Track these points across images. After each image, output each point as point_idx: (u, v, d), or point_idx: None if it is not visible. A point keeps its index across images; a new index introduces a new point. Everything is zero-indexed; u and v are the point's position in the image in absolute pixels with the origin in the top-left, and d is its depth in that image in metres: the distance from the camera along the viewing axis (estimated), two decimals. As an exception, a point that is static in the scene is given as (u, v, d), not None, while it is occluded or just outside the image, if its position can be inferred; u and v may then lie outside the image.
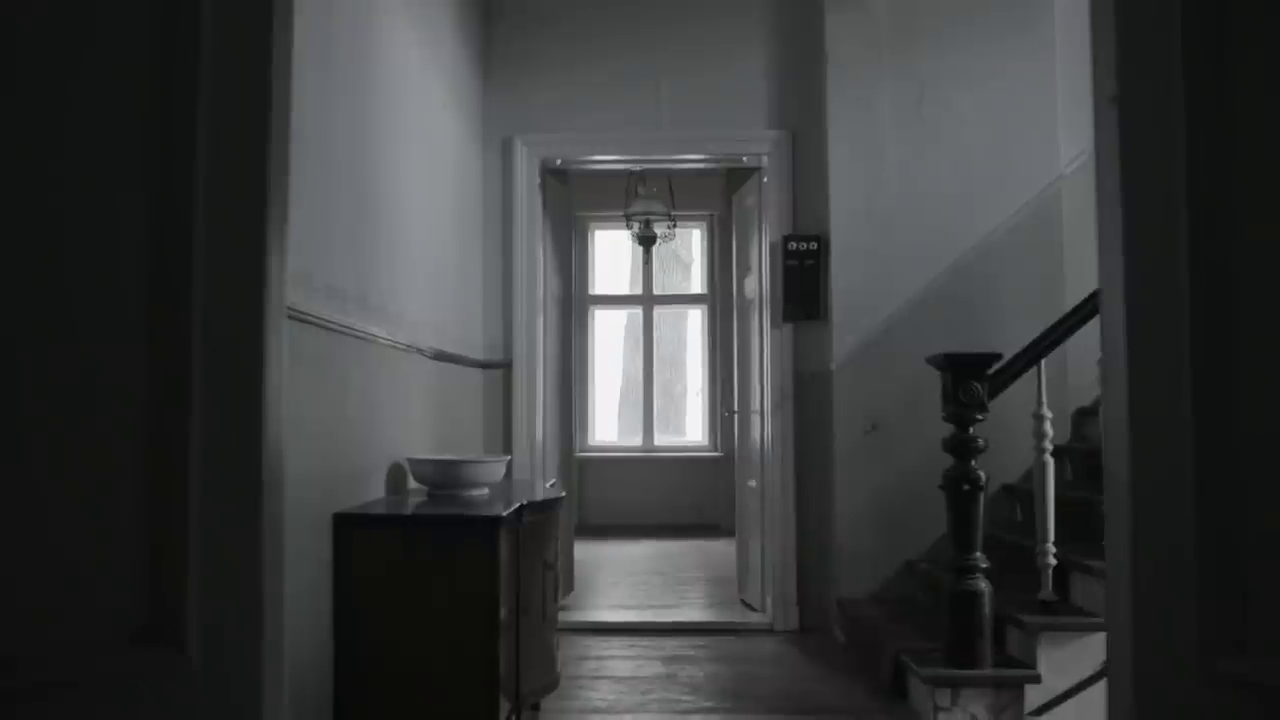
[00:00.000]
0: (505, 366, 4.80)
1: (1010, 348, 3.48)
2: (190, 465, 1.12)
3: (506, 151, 4.86)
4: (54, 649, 1.03)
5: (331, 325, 2.48)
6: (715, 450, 8.58)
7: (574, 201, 6.37)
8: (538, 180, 4.92)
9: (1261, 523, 1.02)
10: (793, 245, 4.67)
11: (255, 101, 1.20)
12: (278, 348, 1.24)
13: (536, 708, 3.28)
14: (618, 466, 8.58)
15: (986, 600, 3.25)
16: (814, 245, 4.64)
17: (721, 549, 6.87)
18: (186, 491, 1.12)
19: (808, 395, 4.69)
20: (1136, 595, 1.16)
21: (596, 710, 3.41)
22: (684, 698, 3.55)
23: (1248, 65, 1.06)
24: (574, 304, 6.84)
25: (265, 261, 1.21)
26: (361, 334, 2.77)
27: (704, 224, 8.93)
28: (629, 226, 7.37)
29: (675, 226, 7.45)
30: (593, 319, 8.99)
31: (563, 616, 4.40)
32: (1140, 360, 1.13)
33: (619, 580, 5.94)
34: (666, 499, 8.47)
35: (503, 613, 2.57)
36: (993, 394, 3.32)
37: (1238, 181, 1.05)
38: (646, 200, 7.03)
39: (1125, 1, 1.19)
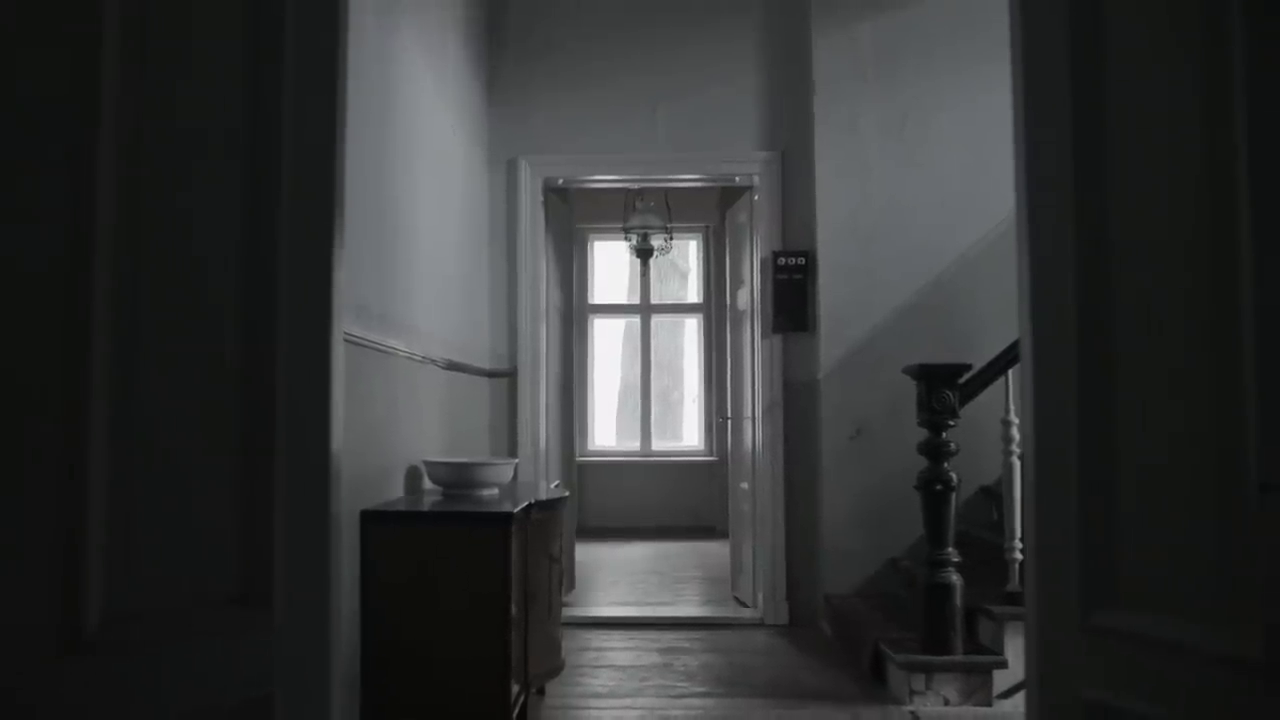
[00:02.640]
0: (510, 375, 5.07)
1: (988, 357, 3.74)
2: (275, 466, 1.39)
3: (511, 171, 5.14)
4: (171, 607, 1.30)
5: (360, 341, 2.75)
6: (711, 455, 8.84)
7: (574, 216, 6.65)
8: (540, 198, 5.20)
9: (1126, 510, 1.29)
10: (782, 260, 4.94)
11: (323, 163, 1.47)
12: (339, 368, 1.50)
13: (542, 691, 3.55)
14: (616, 470, 8.84)
15: (958, 592, 3.51)
16: (802, 260, 4.92)
17: (717, 550, 7.13)
18: (272, 486, 1.39)
19: (796, 402, 4.96)
20: (1039, 567, 1.43)
21: (597, 695, 3.67)
22: (679, 684, 3.81)
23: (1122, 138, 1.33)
24: (574, 313, 7.11)
25: (331, 295, 1.48)
26: (384, 348, 3.04)
27: (700, 235, 9.21)
28: (627, 239, 7.65)
29: (672, 239, 7.74)
30: (592, 327, 9.26)
31: (565, 612, 4.66)
32: (1041, 395, 1.41)
33: (618, 579, 6.20)
34: (664, 502, 8.73)
35: (513, 601, 2.83)
36: (964, 401, 3.59)
37: (1114, 228, 1.32)
38: (644, 214, 7.31)
39: (1031, 65, 1.46)
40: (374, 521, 2.78)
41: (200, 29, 1.34)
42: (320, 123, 1.46)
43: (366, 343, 2.82)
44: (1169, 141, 1.24)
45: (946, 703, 3.49)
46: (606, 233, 8.76)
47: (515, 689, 2.90)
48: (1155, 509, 1.26)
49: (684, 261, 9.63)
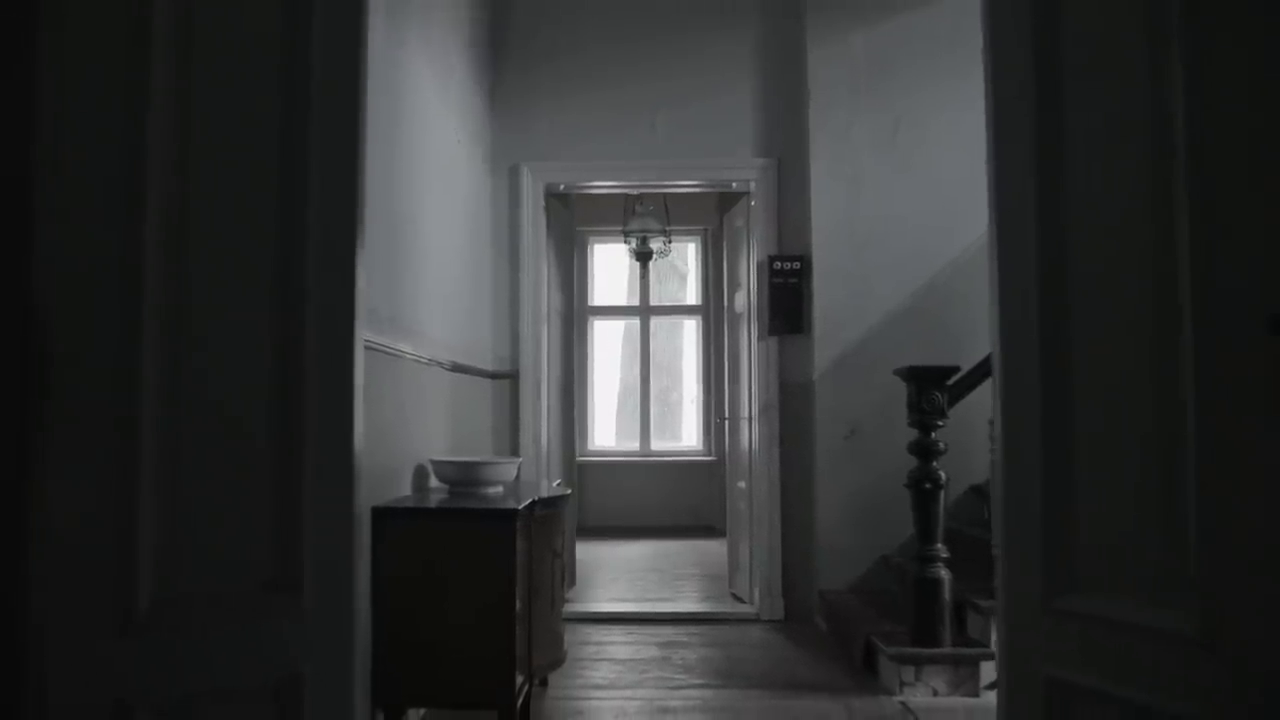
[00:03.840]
0: (512, 377, 5.19)
1: (978, 360, 3.85)
2: (304, 465, 1.51)
3: (513, 177, 5.26)
4: (212, 592, 1.42)
5: (372, 345, 2.87)
6: (709, 454, 8.96)
7: (575, 220, 6.77)
8: (542, 203, 5.32)
9: (1084, 508, 1.41)
10: (778, 264, 5.06)
11: (346, 192, 1.60)
12: (360, 375, 1.63)
13: (544, 683, 3.67)
14: (616, 470, 8.95)
15: (946, 587, 3.64)
16: (797, 265, 5.04)
17: (715, 549, 7.25)
18: (301, 484, 1.51)
19: (792, 403, 5.08)
20: (1007, 559, 1.55)
21: (598, 686, 3.80)
22: (677, 676, 3.94)
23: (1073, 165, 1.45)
24: (574, 315, 7.23)
25: (353, 304, 1.61)
26: (394, 351, 3.16)
27: (699, 237, 9.33)
28: (627, 242, 7.77)
29: (671, 242, 7.86)
30: (592, 329, 9.38)
31: (566, 608, 4.78)
32: (1008, 408, 1.53)
33: (618, 576, 6.32)
34: (663, 501, 8.85)
35: (518, 595, 2.95)
36: (952, 402, 3.71)
37: (1072, 251, 1.44)
38: (643, 218, 7.43)
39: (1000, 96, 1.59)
40: (385, 518, 2.90)
41: (241, 78, 1.46)
42: (343, 158, 1.59)
43: (377, 347, 2.94)
44: (1119, 171, 1.37)
45: (935, 693, 3.61)
46: (606, 235, 8.88)
47: (520, 679, 3.02)
48: (1108, 508, 1.39)
49: (683, 263, 9.76)
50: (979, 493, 4.82)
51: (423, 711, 3.36)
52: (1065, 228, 1.42)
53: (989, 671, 3.61)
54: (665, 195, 7.58)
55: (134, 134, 1.32)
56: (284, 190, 1.51)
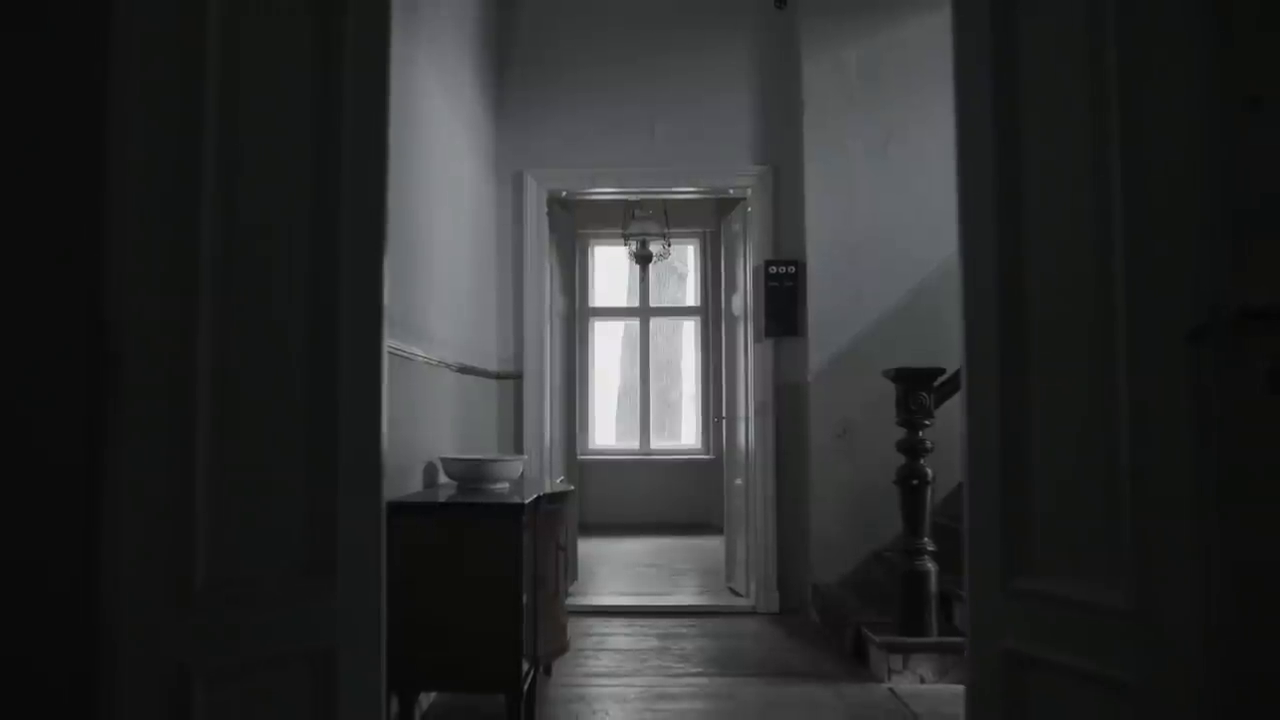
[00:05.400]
0: (517, 378, 5.36)
1: (961, 362, 4.03)
2: (338, 461, 1.68)
3: (517, 184, 5.43)
4: (257, 574, 1.59)
5: (388, 348, 3.03)
6: (708, 453, 9.12)
7: (576, 225, 6.94)
8: (545, 210, 5.49)
9: (1038, 500, 1.58)
10: (773, 269, 5.23)
11: (374, 214, 1.77)
12: (385, 377, 1.80)
13: (549, 671, 3.84)
14: (616, 468, 9.12)
15: (933, 579, 3.81)
16: (792, 269, 5.21)
17: (713, 545, 7.41)
18: (335, 477, 1.68)
19: (787, 403, 5.25)
20: (972, 545, 1.72)
21: (600, 674, 3.97)
22: (676, 665, 4.11)
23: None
24: (575, 316, 7.40)
25: (379, 313, 1.78)
26: (406, 354, 3.33)
27: (698, 239, 9.49)
28: (627, 245, 7.94)
29: (670, 245, 8.03)
30: (592, 330, 9.55)
31: (568, 601, 4.95)
32: (972, 411, 1.70)
33: (618, 572, 6.49)
34: (662, 499, 9.02)
35: (524, 585, 3.11)
36: (939, 402, 3.88)
37: (1028, 280, 1.61)
38: (643, 222, 7.60)
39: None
40: (398, 513, 3.06)
41: (280, 111, 1.64)
42: (371, 183, 1.77)
43: (391, 350, 3.09)
44: (1067, 215, 1.54)
45: (922, 681, 3.78)
46: (607, 237, 9.04)
47: (526, 665, 3.18)
48: (1058, 499, 1.56)
49: (683, 264, 9.92)
50: (967, 490, 4.99)
51: (433, 695, 3.53)
52: (1022, 260, 1.59)
53: (973, 660, 3.77)
54: (665, 201, 7.76)
55: (191, 159, 1.49)
56: (318, 213, 1.68)
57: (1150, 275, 1.35)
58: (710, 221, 8.93)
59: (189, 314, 1.49)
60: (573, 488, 4.24)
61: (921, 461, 3.83)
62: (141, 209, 1.44)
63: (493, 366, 5.19)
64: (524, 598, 3.09)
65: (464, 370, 4.39)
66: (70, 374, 1.41)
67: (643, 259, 7.85)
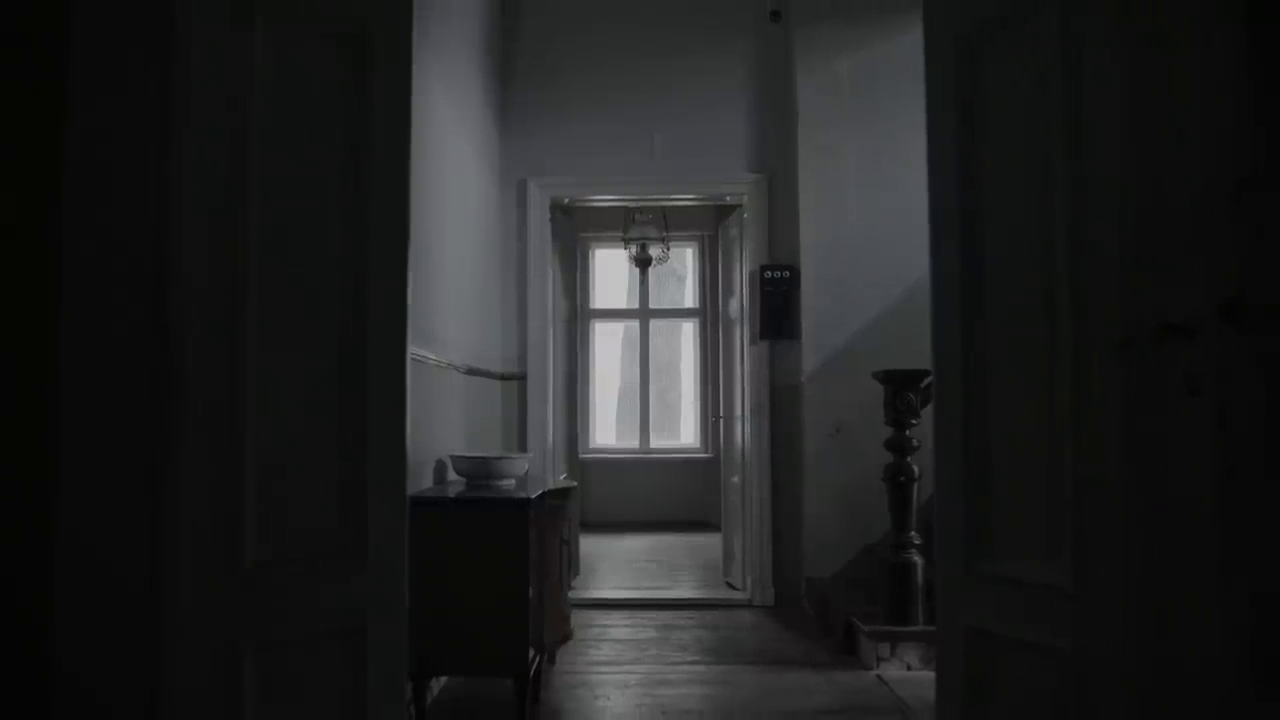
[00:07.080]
0: (520, 379, 5.55)
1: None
2: (369, 455, 1.87)
3: (521, 191, 5.62)
4: (298, 556, 1.78)
5: (401, 352, 3.22)
6: (706, 452, 9.30)
7: (577, 228, 7.12)
8: (547, 216, 5.68)
9: (997, 490, 1.77)
10: (769, 273, 5.42)
11: (397, 229, 1.96)
12: (409, 382, 1.99)
13: (553, 659, 4.03)
14: (617, 467, 9.29)
15: (919, 571, 3.99)
16: (787, 274, 5.39)
17: (712, 541, 7.57)
18: (366, 470, 1.87)
19: (782, 404, 5.44)
20: (941, 533, 1.90)
21: (602, 662, 4.16)
22: (674, 654, 4.30)
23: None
24: (576, 318, 7.57)
25: (404, 327, 1.97)
26: (418, 357, 3.51)
27: (697, 242, 9.67)
28: (627, 248, 8.12)
29: (669, 249, 8.21)
30: (593, 331, 9.73)
31: (571, 595, 5.13)
32: (940, 412, 1.88)
33: (619, 567, 6.68)
34: (661, 497, 9.20)
35: (530, 575, 3.30)
36: (925, 403, 4.06)
37: (989, 294, 1.79)
38: (642, 226, 7.78)
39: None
40: (413, 507, 3.22)
41: (312, 142, 1.82)
42: (395, 202, 1.95)
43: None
44: (1021, 236, 1.72)
45: (909, 668, 3.96)
46: (607, 241, 9.22)
47: (532, 652, 3.37)
48: (1014, 490, 1.74)
49: (682, 266, 10.10)
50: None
51: (443, 681, 3.72)
52: (983, 279, 1.78)
53: (957, 648, 3.96)
54: (664, 206, 7.94)
55: (236, 189, 1.68)
56: (349, 230, 1.87)
57: (1086, 293, 1.53)
58: (709, 225, 9.11)
59: (238, 326, 1.68)
60: (575, 484, 4.43)
61: (909, 459, 4.01)
62: (197, 233, 1.63)
63: (497, 368, 5.38)
64: (530, 587, 3.27)
65: (471, 372, 4.58)
66: (137, 378, 1.60)
67: (642, 262, 8.03)
